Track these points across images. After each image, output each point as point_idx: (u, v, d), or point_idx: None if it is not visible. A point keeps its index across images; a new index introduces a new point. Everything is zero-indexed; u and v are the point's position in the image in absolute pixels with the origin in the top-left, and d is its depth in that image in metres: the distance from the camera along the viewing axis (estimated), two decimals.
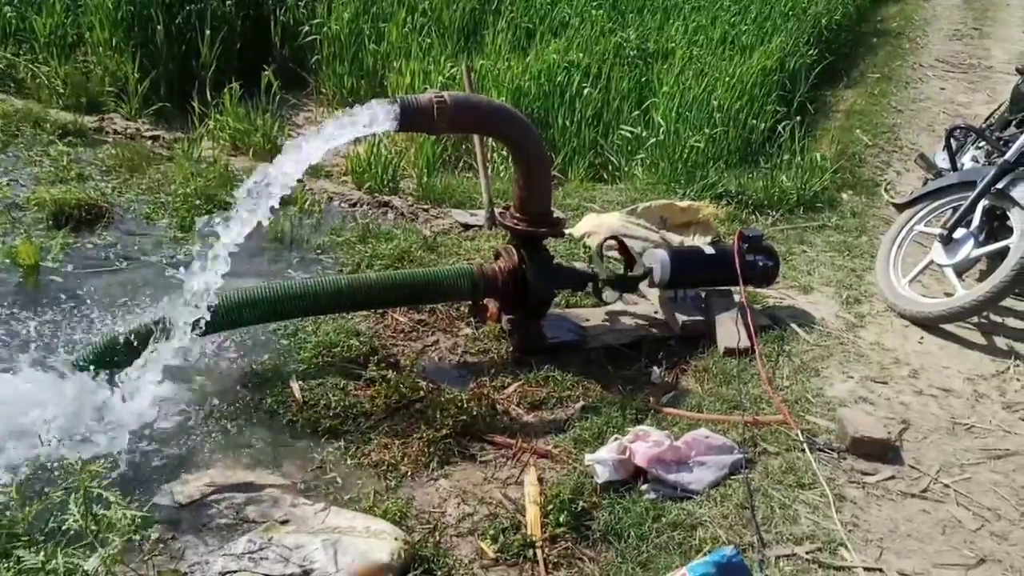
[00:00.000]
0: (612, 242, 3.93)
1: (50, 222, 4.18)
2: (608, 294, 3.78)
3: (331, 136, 2.91)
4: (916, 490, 3.06)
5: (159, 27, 6.38)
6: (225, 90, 5.74)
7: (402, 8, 7.57)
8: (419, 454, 2.97)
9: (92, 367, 2.99)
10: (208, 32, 6.51)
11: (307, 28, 7.24)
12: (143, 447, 2.85)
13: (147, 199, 4.57)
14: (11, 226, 4.10)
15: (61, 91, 5.75)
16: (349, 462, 2.92)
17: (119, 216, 4.37)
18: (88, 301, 3.61)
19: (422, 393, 3.22)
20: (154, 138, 5.48)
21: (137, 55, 6.22)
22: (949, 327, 4.18)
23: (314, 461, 2.90)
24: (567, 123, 6.26)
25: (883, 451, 3.20)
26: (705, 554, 2.53)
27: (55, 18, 6.37)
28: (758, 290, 4.20)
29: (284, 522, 2.57)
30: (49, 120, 5.28)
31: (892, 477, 3.11)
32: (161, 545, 2.43)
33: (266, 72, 5.97)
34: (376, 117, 2.94)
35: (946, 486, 3.10)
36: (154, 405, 3.00)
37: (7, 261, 3.76)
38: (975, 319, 4.25)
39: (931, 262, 4.36)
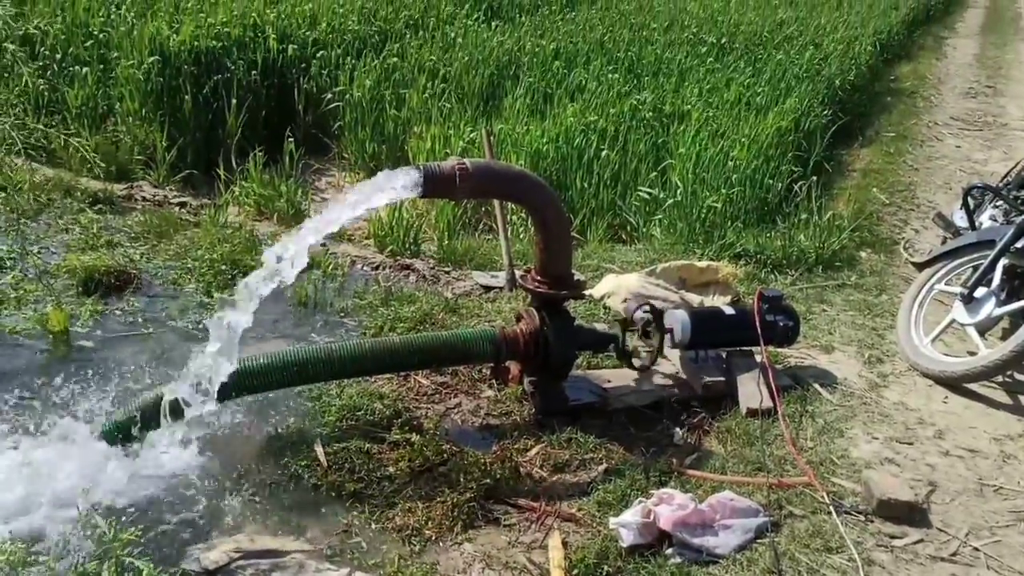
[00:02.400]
0: (644, 313, 3.91)
1: (80, 289, 4.26)
2: (637, 361, 3.80)
3: (357, 204, 2.97)
4: (945, 553, 3.03)
5: (187, 97, 6.56)
6: (250, 157, 5.88)
7: (422, 75, 7.74)
8: (443, 518, 2.97)
9: (119, 436, 3.02)
10: (234, 101, 6.68)
11: (329, 95, 7.41)
12: (170, 512, 2.87)
13: (174, 265, 4.65)
14: (42, 293, 4.18)
15: (92, 160, 5.91)
16: (374, 526, 2.92)
17: (147, 282, 4.45)
18: (117, 367, 3.67)
19: (445, 456, 3.23)
20: (181, 204, 5.60)
21: (165, 124, 6.38)
22: (973, 386, 4.16)
23: (339, 526, 2.91)
24: (585, 185, 6.34)
25: (911, 514, 3.17)
26: None
27: (87, 90, 6.57)
28: (779, 350, 4.20)
29: None
30: (80, 189, 5.42)
31: (920, 540, 3.07)
32: None
33: (289, 139, 6.11)
34: (400, 184, 3.01)
35: (976, 549, 3.07)
36: (180, 470, 3.03)
37: (37, 328, 3.83)
38: (1000, 378, 4.22)
39: (953, 321, 4.35)
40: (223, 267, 4.54)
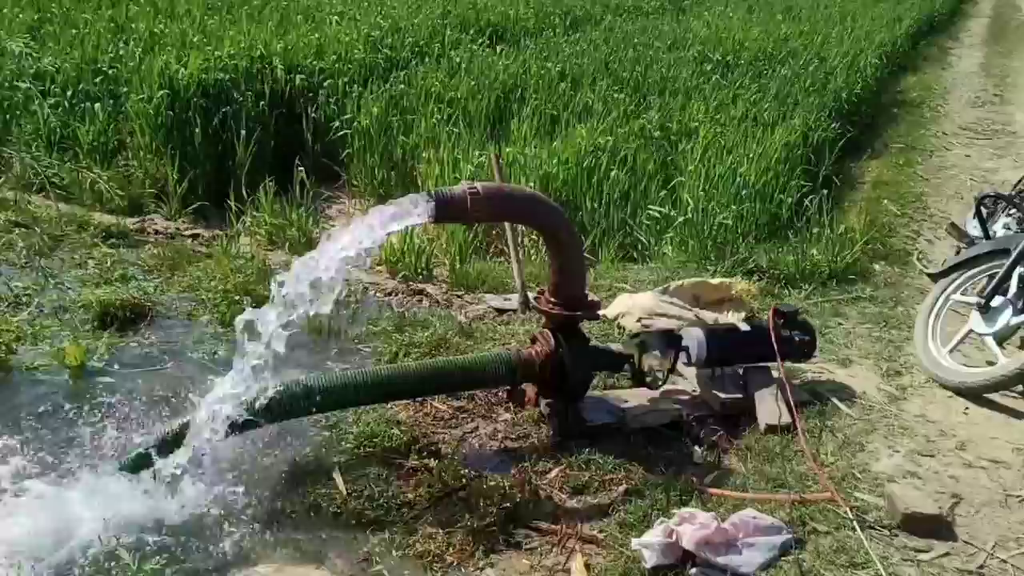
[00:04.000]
0: (648, 323, 3.93)
1: (95, 323, 4.27)
2: (653, 380, 3.78)
3: (370, 231, 2.98)
4: (973, 567, 2.99)
5: (196, 130, 6.62)
6: (260, 187, 5.91)
7: (429, 101, 7.79)
8: (464, 543, 2.95)
9: (139, 468, 3.02)
10: (243, 132, 6.73)
11: (337, 124, 7.47)
12: (191, 545, 2.86)
13: (188, 296, 4.67)
14: (58, 328, 4.20)
15: (104, 195, 5.95)
16: (395, 553, 2.91)
17: (162, 314, 4.46)
18: (133, 400, 3.67)
19: (464, 481, 3.22)
20: (193, 236, 5.63)
21: (176, 157, 6.43)
22: (994, 396, 4.12)
23: (360, 554, 2.89)
24: (595, 205, 6.35)
25: (935, 527, 3.13)
26: None
27: (98, 125, 6.64)
28: (796, 365, 4.17)
29: None
30: (93, 223, 5.46)
31: (947, 554, 3.04)
32: None
33: (299, 168, 6.15)
34: (412, 210, 3.02)
35: (1003, 561, 3.03)
36: (200, 502, 3.02)
37: (55, 363, 3.85)
38: (1020, 387, 4.18)
39: (970, 331, 4.32)
40: (236, 297, 4.55)
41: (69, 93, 6.95)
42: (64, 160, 6.38)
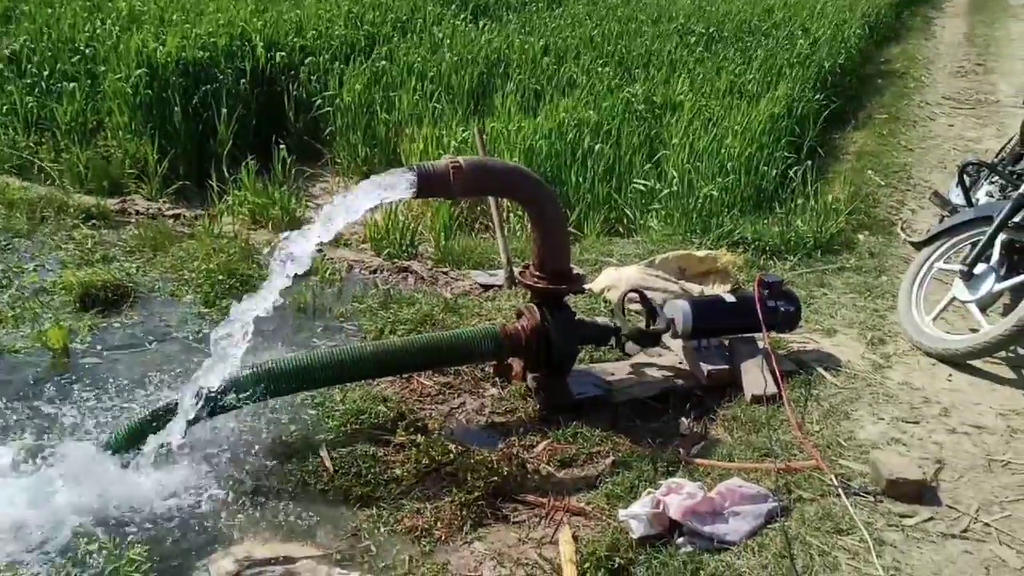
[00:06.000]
0: (633, 295, 3.93)
1: (77, 305, 4.24)
2: (630, 346, 3.78)
3: (351, 207, 2.96)
4: (957, 530, 3.01)
5: (176, 109, 6.55)
6: (242, 165, 5.87)
7: (411, 77, 7.72)
8: (452, 518, 2.96)
9: (125, 448, 3.01)
10: (224, 111, 6.67)
11: (319, 101, 7.40)
12: (176, 525, 2.85)
13: (171, 277, 4.64)
14: (40, 310, 4.16)
15: (83, 176, 5.88)
16: (383, 529, 2.91)
17: (144, 295, 4.43)
18: (117, 381, 3.65)
19: (452, 456, 3.22)
20: (175, 217, 5.58)
21: (156, 137, 6.37)
22: (977, 363, 4.15)
23: (348, 530, 2.90)
24: (580, 180, 6.32)
25: (920, 492, 3.15)
26: None
27: (75, 105, 6.56)
28: (781, 336, 4.18)
29: None
30: (72, 205, 5.41)
31: (931, 518, 3.06)
32: None
33: (281, 147, 6.09)
34: (394, 185, 3.00)
35: (987, 525, 3.05)
36: (186, 482, 3.01)
37: (37, 345, 3.82)
38: (1003, 353, 4.21)
39: (953, 299, 4.34)
40: (220, 277, 4.52)
41: (46, 73, 6.86)
42: (42, 141, 6.31)
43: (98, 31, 7.55)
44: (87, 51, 7.15)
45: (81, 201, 5.50)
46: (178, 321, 4.20)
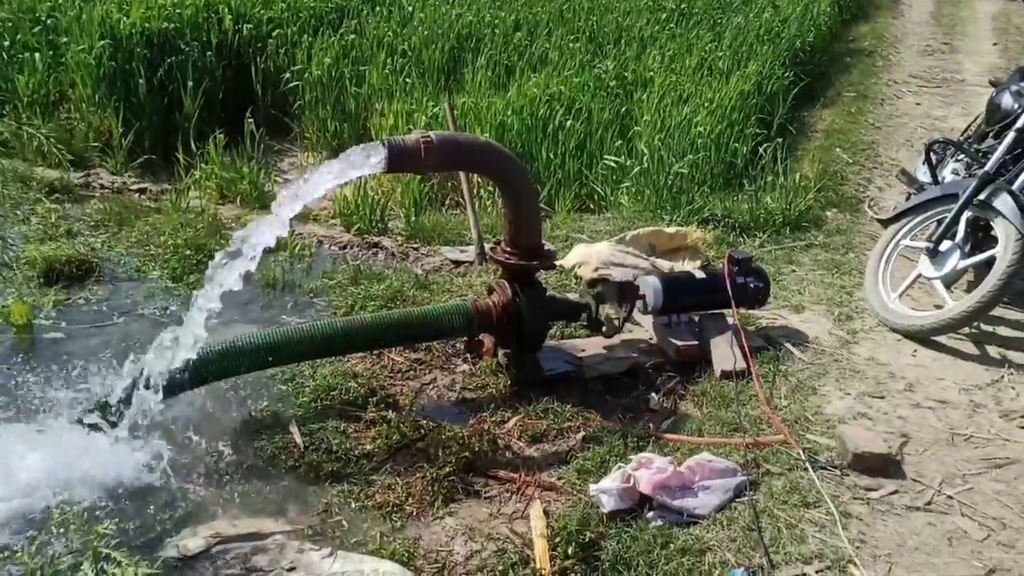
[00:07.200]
0: (605, 272, 3.94)
1: (41, 280, 4.17)
2: (609, 328, 3.79)
3: (321, 182, 2.93)
4: (920, 503, 3.07)
5: (141, 81, 6.43)
6: (210, 140, 5.78)
7: (381, 51, 7.64)
8: (423, 493, 2.96)
9: (95, 421, 2.97)
10: (190, 83, 6.56)
11: (288, 75, 7.30)
12: (146, 501, 2.83)
13: (137, 252, 4.57)
14: (2, 286, 4.09)
15: (46, 149, 5.77)
16: (353, 505, 2.91)
17: (110, 270, 4.37)
18: (83, 356, 3.60)
19: (423, 432, 3.22)
20: (141, 191, 5.50)
21: (120, 109, 6.26)
22: (941, 339, 4.21)
23: (319, 506, 2.89)
24: (551, 156, 6.31)
25: (885, 466, 3.21)
26: None
27: (37, 77, 6.41)
28: (750, 312, 4.22)
29: (291, 569, 2.56)
30: (35, 178, 5.30)
31: (896, 491, 3.11)
32: None
33: (249, 121, 6.01)
34: (364, 160, 2.97)
35: (950, 497, 3.11)
36: (155, 458, 2.98)
37: (0, 321, 3.75)
38: (967, 329, 4.28)
39: (919, 275, 4.39)
40: (187, 252, 4.46)
41: (6, 43, 6.69)
42: (2, 113, 6.17)
43: (60, 1, 7.38)
44: (48, 22, 6.99)
45: (44, 175, 5.39)
46: (144, 296, 4.15)
